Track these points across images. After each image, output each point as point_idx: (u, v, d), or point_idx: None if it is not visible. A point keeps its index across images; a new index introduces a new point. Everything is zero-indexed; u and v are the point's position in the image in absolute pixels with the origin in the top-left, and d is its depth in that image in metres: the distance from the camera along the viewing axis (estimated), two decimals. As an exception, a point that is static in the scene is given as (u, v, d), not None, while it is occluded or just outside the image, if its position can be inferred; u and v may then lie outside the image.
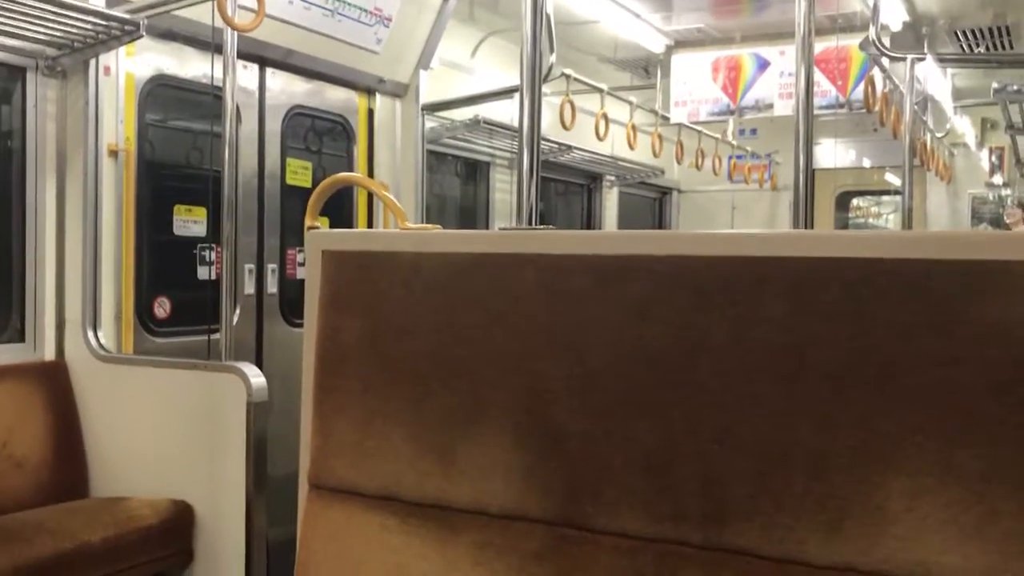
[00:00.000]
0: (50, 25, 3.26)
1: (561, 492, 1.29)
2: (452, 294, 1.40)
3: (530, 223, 1.67)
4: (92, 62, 3.52)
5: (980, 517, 1.03)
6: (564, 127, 5.51)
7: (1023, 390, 1.03)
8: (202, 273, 4.11)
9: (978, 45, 6.92)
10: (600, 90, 5.99)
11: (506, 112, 5.79)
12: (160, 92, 3.99)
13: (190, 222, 4.09)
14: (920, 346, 1.09)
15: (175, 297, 4.04)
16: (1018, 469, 1.03)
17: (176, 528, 3.30)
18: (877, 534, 1.08)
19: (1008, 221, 8.92)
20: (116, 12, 3.32)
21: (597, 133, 6.03)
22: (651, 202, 9.72)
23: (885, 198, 10.52)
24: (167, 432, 3.42)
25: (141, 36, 3.36)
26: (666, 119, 7.11)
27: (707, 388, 1.20)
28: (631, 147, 6.58)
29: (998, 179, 9.42)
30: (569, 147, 6.56)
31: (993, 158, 9.44)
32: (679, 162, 7.57)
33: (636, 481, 1.24)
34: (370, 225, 5.07)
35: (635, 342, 1.25)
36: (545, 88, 5.57)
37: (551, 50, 4.41)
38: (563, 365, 1.30)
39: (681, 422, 1.22)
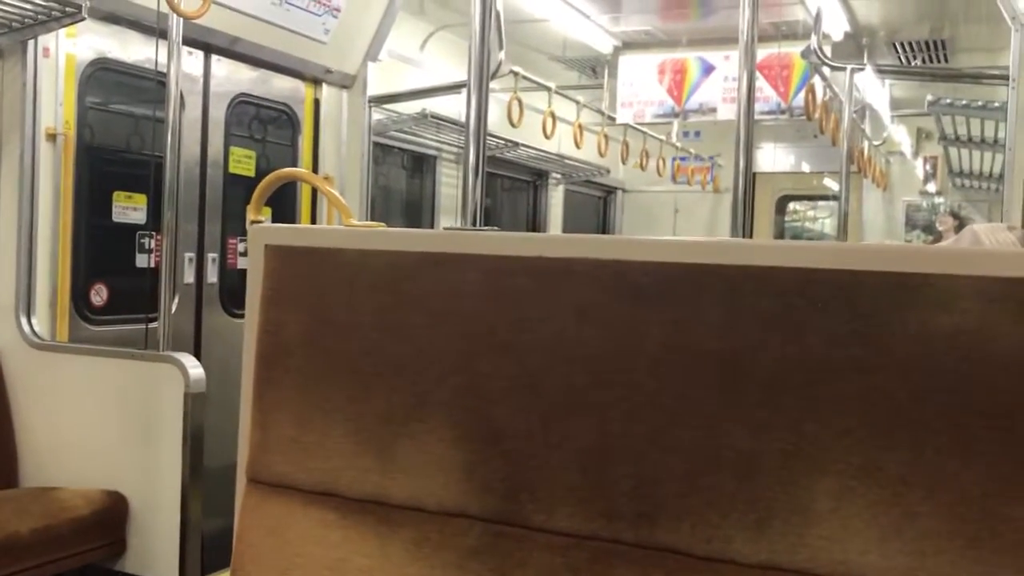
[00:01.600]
0: (-13, 4, 3.18)
1: (499, 490, 1.31)
2: (395, 292, 1.41)
3: (475, 223, 1.68)
4: (31, 43, 3.44)
5: (899, 518, 1.08)
6: (512, 124, 5.54)
7: (941, 397, 1.08)
8: (141, 261, 4.05)
9: (915, 57, 7.11)
10: (548, 88, 6.03)
11: (454, 107, 5.79)
12: (101, 76, 3.91)
13: (130, 209, 4.02)
14: (848, 354, 1.13)
15: (113, 285, 3.97)
16: (934, 472, 1.07)
17: (109, 519, 3.25)
18: (803, 534, 1.12)
19: (940, 228, 9.18)
20: (57, -7, 3.25)
21: (544, 131, 6.06)
22: (596, 201, 9.80)
23: (821, 203, 10.74)
24: (102, 422, 3.37)
25: (83, 18, 3.29)
26: (612, 119, 7.18)
27: (643, 390, 1.23)
28: (577, 146, 6.63)
29: (932, 187, 9.69)
30: (516, 144, 6.58)
31: (927, 167, 9.71)
32: (624, 162, 7.65)
33: (572, 479, 1.26)
34: (314, 218, 5.04)
35: (574, 344, 1.28)
36: (494, 84, 5.58)
37: (500, 47, 4.43)
38: (503, 365, 1.32)
39: (617, 423, 1.24)
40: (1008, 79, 3.99)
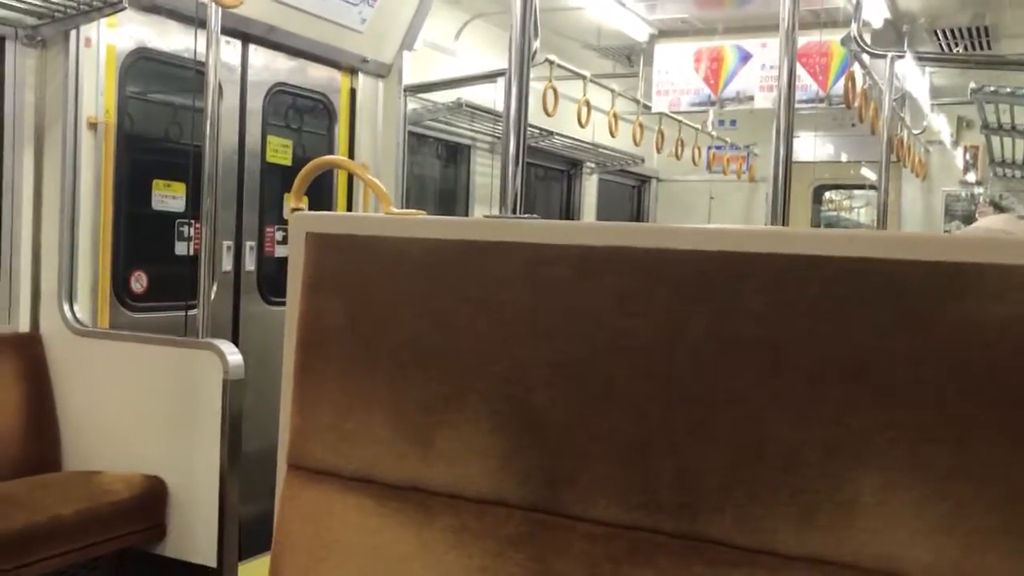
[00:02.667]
0: (31, -6, 3.22)
1: (538, 478, 1.31)
2: (435, 280, 1.41)
3: (514, 211, 1.67)
4: (73, 33, 3.48)
5: (947, 513, 1.06)
6: (546, 113, 5.52)
7: (990, 390, 1.06)
8: (180, 249, 4.09)
9: (957, 45, 6.99)
10: (583, 77, 6.00)
11: (488, 96, 5.78)
12: (141, 65, 3.95)
13: (168, 197, 4.07)
14: (894, 345, 1.11)
15: (152, 272, 4.02)
16: (984, 467, 1.06)
17: (149, 503, 3.30)
18: (847, 527, 1.11)
19: (979, 219, 9.02)
20: (98, -17, 3.29)
21: (579, 120, 6.04)
22: (630, 190, 9.75)
23: (857, 192, 10.61)
24: (141, 407, 3.42)
25: (124, 8, 3.33)
26: (647, 108, 7.13)
27: (684, 381, 1.23)
28: (612, 135, 6.60)
29: (971, 177, 9.53)
30: (551, 133, 6.56)
31: (967, 156, 9.55)
32: (659, 151, 7.60)
33: (612, 469, 1.26)
34: (349, 206, 5.06)
35: (614, 333, 1.27)
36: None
37: (536, 35, 4.41)
38: (543, 354, 1.32)
39: (657, 413, 1.24)
40: (1054, 66, 3.90)
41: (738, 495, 1.17)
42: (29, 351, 3.53)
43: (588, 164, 8.20)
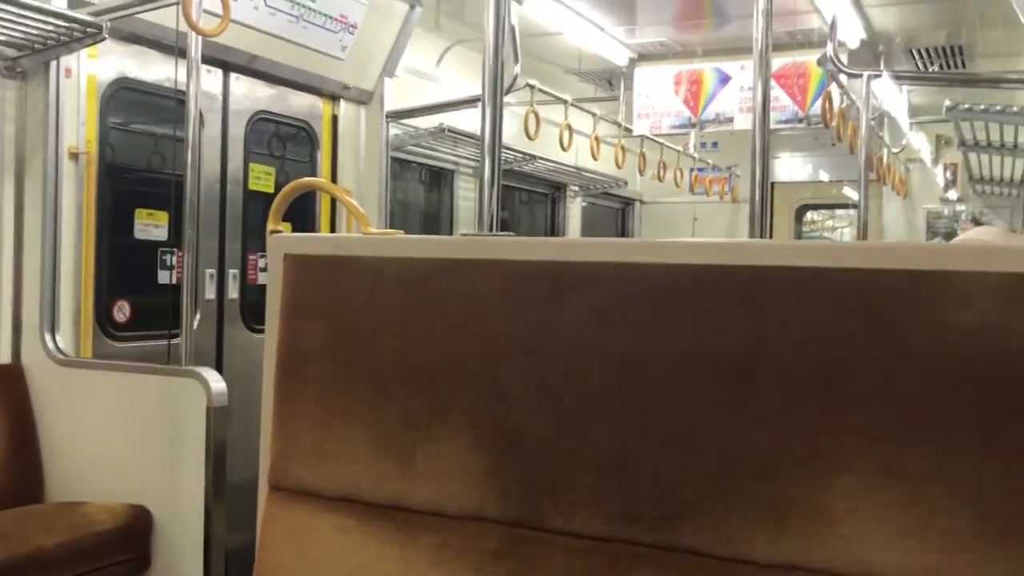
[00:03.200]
0: (10, 26, 3.23)
1: (518, 493, 1.31)
2: (414, 298, 1.42)
3: (491, 230, 1.69)
4: (53, 64, 3.50)
5: (919, 516, 1.07)
6: (528, 137, 5.55)
7: (961, 394, 1.08)
8: (163, 277, 4.09)
9: (932, 64, 7.08)
10: (564, 101, 6.04)
11: (471, 121, 5.81)
12: (122, 95, 3.96)
13: (151, 226, 4.07)
14: (866, 352, 1.13)
15: (135, 301, 4.01)
16: (955, 470, 1.07)
17: (133, 533, 3.27)
18: (822, 533, 1.12)
19: (962, 235, 9.10)
20: (78, 14, 3.30)
21: (561, 144, 6.07)
22: (614, 212, 9.80)
23: (840, 211, 10.69)
24: (125, 437, 3.40)
25: (104, 39, 3.34)
26: (629, 131, 7.18)
27: (662, 392, 1.24)
28: (594, 158, 6.64)
29: (952, 194, 9.62)
30: (533, 157, 6.60)
31: (947, 174, 9.64)
32: (642, 173, 7.65)
33: (592, 482, 1.26)
34: (332, 231, 5.07)
35: (593, 347, 1.28)
36: (510, 98, 5.61)
37: (516, 60, 4.45)
38: (522, 369, 1.33)
39: (636, 425, 1.25)
40: (1027, 82, 3.97)
41: (716, 504, 1.18)
42: (11, 382, 3.51)
43: (572, 187, 8.24)
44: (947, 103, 5.39)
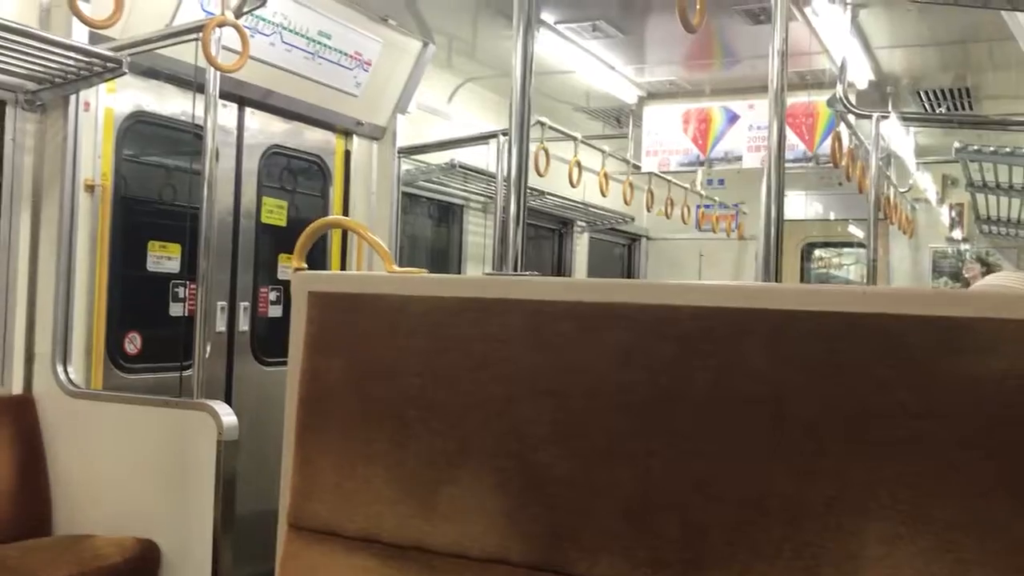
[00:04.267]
0: (32, 60, 3.27)
1: (542, 536, 1.30)
2: (437, 337, 1.42)
3: (515, 269, 1.70)
4: (72, 97, 3.53)
5: (952, 565, 1.06)
6: (538, 173, 5.58)
7: (989, 443, 1.08)
8: (175, 310, 4.10)
9: (940, 105, 7.13)
10: (574, 138, 6.09)
11: (481, 157, 5.85)
12: (139, 128, 4.00)
13: (164, 258, 4.08)
14: (893, 399, 1.13)
15: (146, 333, 4.01)
16: (985, 519, 1.06)
17: (141, 568, 3.25)
18: (852, 581, 1.11)
19: (967, 275, 9.11)
20: (99, 49, 3.34)
21: (570, 180, 6.11)
22: (621, 248, 9.82)
23: (846, 249, 10.70)
24: (135, 469, 3.38)
25: (124, 73, 3.38)
26: (637, 168, 7.22)
27: (686, 436, 1.23)
28: (603, 194, 6.67)
29: (958, 234, 9.63)
30: (542, 193, 6.63)
31: (953, 214, 9.66)
32: (649, 210, 7.67)
33: (616, 526, 1.26)
34: (343, 266, 5.09)
35: (616, 389, 1.28)
36: (520, 134, 5.64)
37: (528, 99, 4.48)
38: (545, 410, 1.33)
39: (660, 469, 1.24)
40: (1035, 125, 3.99)
41: (743, 551, 1.17)
42: (22, 413, 3.51)
43: (579, 223, 8.26)
44: (956, 145, 5.42)
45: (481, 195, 6.47)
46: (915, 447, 1.10)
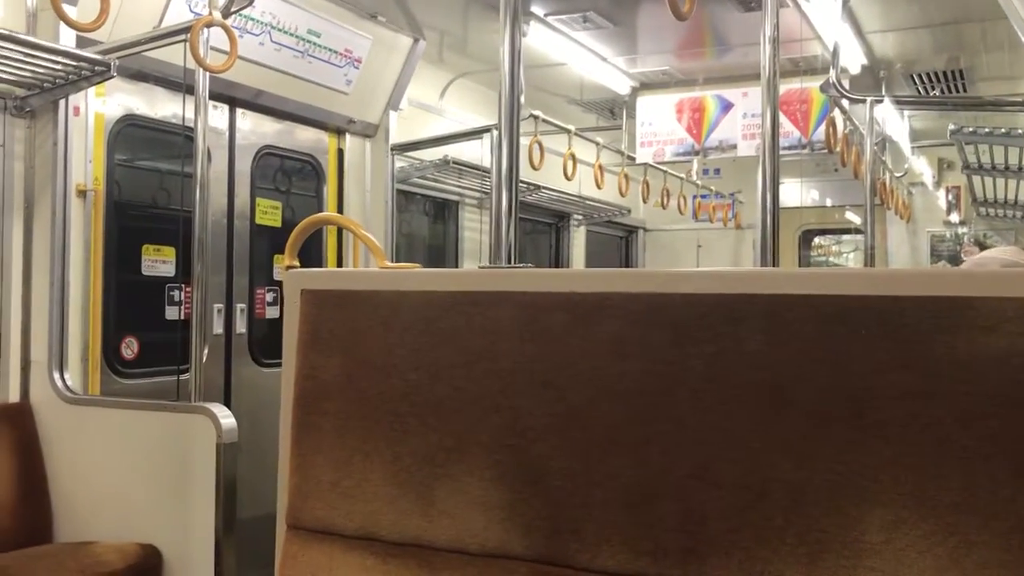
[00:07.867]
0: (19, 66, 3.24)
1: (542, 529, 1.29)
2: (431, 332, 1.41)
3: (508, 262, 1.69)
4: (61, 102, 3.51)
5: (955, 548, 1.05)
6: (533, 167, 5.57)
7: (992, 423, 1.06)
8: (171, 313, 4.08)
9: (933, 88, 7.11)
10: (568, 131, 6.07)
11: (475, 152, 5.84)
12: (129, 132, 3.98)
13: (158, 262, 4.07)
14: (893, 380, 1.11)
15: (143, 338, 4.00)
16: (989, 500, 1.05)
17: (144, 573, 3.23)
18: (855, 566, 1.10)
19: (965, 258, 9.09)
20: (87, 53, 3.32)
21: (565, 173, 6.09)
22: (618, 240, 9.80)
23: (845, 237, 10.69)
24: (134, 475, 3.37)
25: (112, 77, 3.36)
26: (632, 159, 7.20)
27: (685, 424, 1.22)
28: (598, 186, 6.65)
29: (955, 217, 9.62)
30: (537, 186, 6.62)
31: (950, 197, 9.65)
32: (645, 201, 7.66)
33: (616, 517, 1.24)
34: (339, 264, 5.07)
35: (613, 379, 1.27)
36: (513, 129, 5.62)
37: (520, 91, 4.46)
38: (542, 402, 1.31)
39: (660, 458, 1.23)
40: (1030, 105, 3.97)
41: (744, 538, 1.16)
42: (19, 421, 3.49)
43: (575, 216, 8.25)
44: (951, 126, 5.41)
45: (476, 191, 6.45)
46: (916, 429, 1.09)
